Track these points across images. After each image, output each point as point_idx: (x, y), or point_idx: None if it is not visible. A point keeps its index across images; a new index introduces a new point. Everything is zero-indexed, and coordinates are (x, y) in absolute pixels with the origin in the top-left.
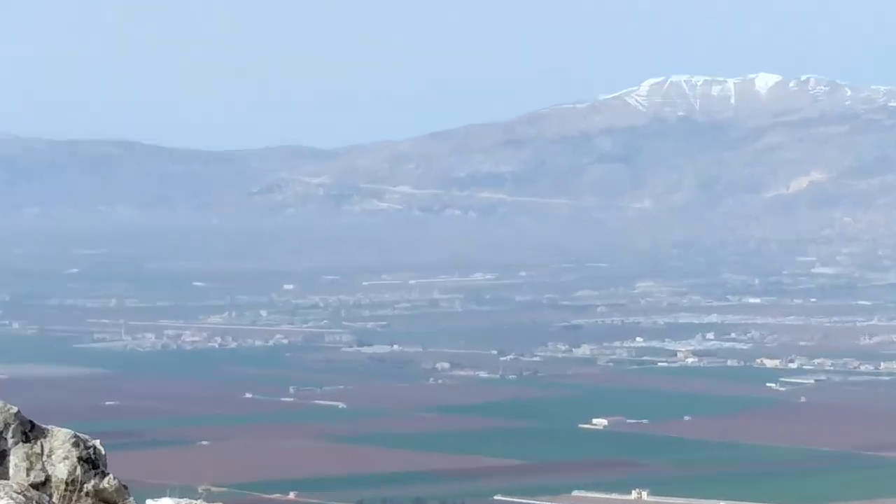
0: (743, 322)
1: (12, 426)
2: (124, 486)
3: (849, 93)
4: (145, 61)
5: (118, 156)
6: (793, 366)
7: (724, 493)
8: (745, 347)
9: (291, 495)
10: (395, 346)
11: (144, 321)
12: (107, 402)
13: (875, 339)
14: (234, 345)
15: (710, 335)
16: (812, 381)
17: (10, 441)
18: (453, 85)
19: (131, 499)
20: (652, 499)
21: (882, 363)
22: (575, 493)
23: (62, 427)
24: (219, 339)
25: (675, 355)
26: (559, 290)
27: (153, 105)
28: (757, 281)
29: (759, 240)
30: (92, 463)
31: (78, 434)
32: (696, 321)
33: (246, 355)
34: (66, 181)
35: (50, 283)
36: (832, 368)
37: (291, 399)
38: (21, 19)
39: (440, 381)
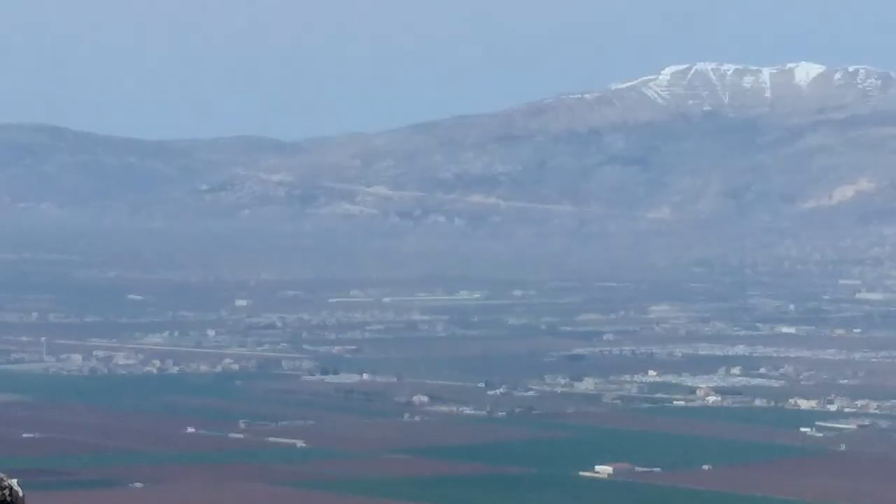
0: (774, 355)
1: None
2: None
3: None
4: (76, 33)
5: (43, 144)
6: (832, 408)
7: None
8: (776, 385)
9: None
10: (365, 376)
11: (70, 340)
12: (25, 435)
13: None
14: (175, 370)
15: (736, 370)
16: (854, 427)
17: None
18: (440, 69)
19: None
20: None
21: None
22: None
23: None
24: (157, 363)
25: (694, 392)
26: (560, 313)
27: (85, 85)
28: (792, 307)
29: (796, 259)
30: None
31: None
32: (719, 353)
33: (189, 383)
34: None
35: None
36: (878, 412)
37: (241, 436)
38: None
39: (417, 418)
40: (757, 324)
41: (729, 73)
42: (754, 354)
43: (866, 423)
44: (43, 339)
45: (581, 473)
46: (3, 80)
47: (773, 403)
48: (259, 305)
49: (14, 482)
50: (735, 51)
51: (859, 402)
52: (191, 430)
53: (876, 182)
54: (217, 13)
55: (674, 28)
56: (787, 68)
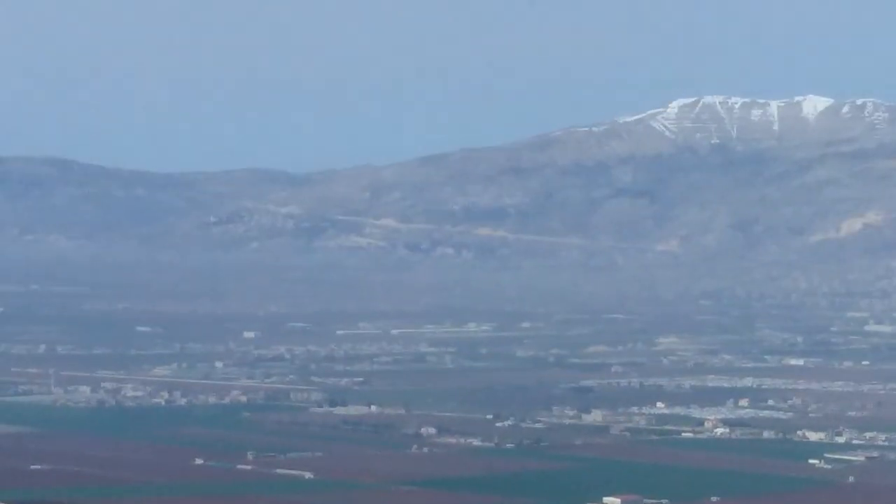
0: (783, 387)
1: None
2: None
3: None
4: (86, 67)
5: (52, 176)
6: (840, 440)
7: None
8: (784, 417)
9: None
10: (373, 408)
11: (79, 371)
12: (33, 466)
13: None
14: (183, 401)
15: (744, 402)
16: (863, 459)
17: None
18: (448, 102)
19: None
20: None
21: None
22: None
23: None
24: (165, 395)
25: (703, 424)
26: (568, 345)
27: (94, 118)
28: (800, 339)
29: (804, 291)
30: None
31: None
32: (727, 385)
33: (197, 414)
34: None
35: None
36: (887, 444)
37: (249, 467)
38: None
39: (425, 450)
40: (765, 356)
41: (737, 106)
42: (762, 386)
43: (875, 455)
44: (51, 370)
45: None
46: (11, 113)
47: (781, 435)
48: (267, 337)
49: None
50: (743, 84)
51: (868, 434)
52: (199, 461)
53: (884, 215)
54: (225, 46)
55: (682, 61)
56: (794, 101)
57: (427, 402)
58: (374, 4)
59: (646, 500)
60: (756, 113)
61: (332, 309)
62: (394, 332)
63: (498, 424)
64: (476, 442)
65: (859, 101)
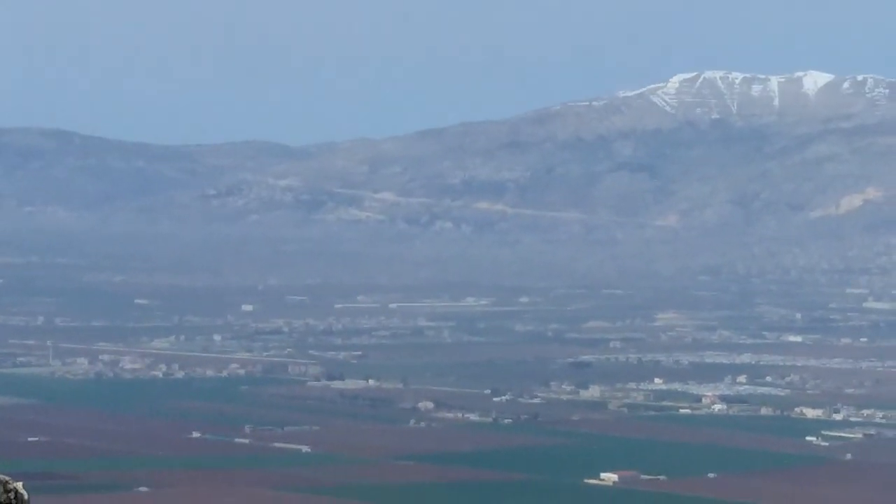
0: (781, 364)
1: None
2: None
3: None
4: (84, 36)
5: (51, 148)
6: (838, 417)
7: None
8: (782, 394)
9: None
10: (371, 382)
11: (77, 343)
12: (30, 438)
13: None
14: (181, 374)
15: (742, 378)
16: (860, 436)
17: None
18: (447, 75)
19: None
20: None
21: None
22: None
23: None
24: (163, 368)
25: (700, 401)
26: (566, 320)
27: (93, 89)
28: (799, 316)
29: (803, 268)
30: None
31: None
32: (725, 361)
33: (195, 387)
34: None
35: None
36: (884, 421)
37: (247, 441)
38: None
39: (423, 424)
40: (763, 332)
41: (737, 81)
42: (760, 363)
43: (872, 433)
44: (49, 342)
45: (587, 481)
46: (10, 84)
47: (778, 412)
48: (265, 311)
49: (19, 485)
50: (743, 59)
51: (865, 412)
52: (196, 434)
53: (884, 191)
54: (225, 18)
55: (682, 36)
56: (795, 77)
57: (425, 376)
58: None
59: (643, 476)
60: (756, 88)
61: (331, 282)
62: (392, 305)
63: (496, 399)
64: (474, 417)
65: (860, 77)
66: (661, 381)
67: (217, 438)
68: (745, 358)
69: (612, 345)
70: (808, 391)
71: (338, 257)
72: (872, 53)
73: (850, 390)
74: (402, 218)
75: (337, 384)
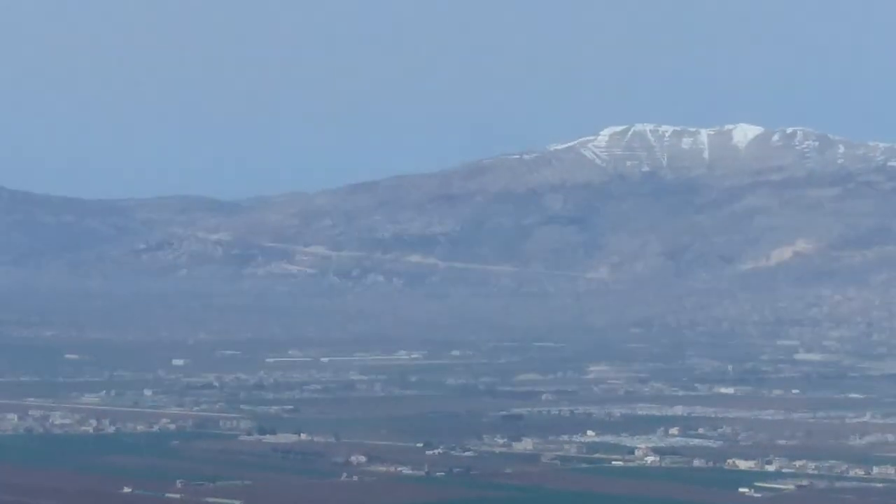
0: (713, 416)
1: None
2: None
3: (842, 149)
4: (9, 88)
5: None
6: (770, 468)
7: None
8: (714, 445)
9: None
10: (303, 436)
11: (6, 399)
12: None
13: (867, 439)
14: (111, 429)
15: (675, 430)
16: (793, 487)
17: None
18: (379, 129)
19: None
20: None
21: (875, 467)
22: None
23: None
24: (94, 423)
25: (633, 453)
26: (498, 373)
27: (19, 143)
28: (730, 367)
29: (734, 320)
30: None
31: None
32: (657, 413)
33: (126, 442)
34: None
35: None
36: (816, 472)
37: (178, 496)
38: None
39: (355, 478)
40: (696, 384)
41: (667, 134)
42: (693, 415)
43: (804, 484)
44: None
45: None
46: None
47: (711, 464)
48: (196, 365)
49: None
50: (673, 112)
51: (798, 463)
52: (127, 489)
53: (814, 243)
54: (152, 71)
55: (612, 89)
56: (725, 129)
57: (357, 430)
58: (305, 33)
59: None
60: (687, 141)
61: (262, 336)
62: (324, 359)
63: (428, 452)
64: (406, 470)
65: (789, 130)
66: (593, 433)
67: (149, 494)
68: (678, 410)
69: (544, 397)
70: (741, 443)
71: (269, 311)
72: (802, 106)
73: (782, 441)
74: (333, 271)
75: (269, 438)
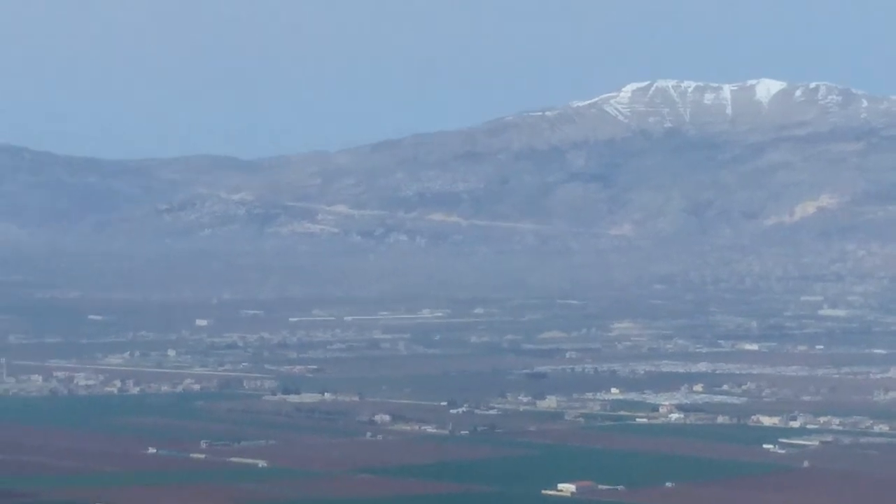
0: (737, 372)
1: None
2: None
3: (865, 104)
4: (34, 53)
5: (3, 164)
6: (794, 424)
7: None
8: (738, 402)
9: None
10: (327, 395)
11: (30, 360)
12: None
13: (891, 395)
14: (136, 390)
15: (699, 387)
16: (817, 443)
17: None
18: (400, 87)
19: None
20: None
21: None
22: None
23: None
24: (118, 384)
25: (657, 410)
26: (522, 330)
27: (44, 104)
28: (754, 324)
29: (758, 276)
30: None
31: None
32: (681, 370)
33: (150, 403)
34: None
35: None
36: (841, 428)
37: (203, 456)
38: None
39: (379, 437)
40: (719, 341)
41: (690, 90)
42: (717, 371)
43: (829, 440)
44: (3, 360)
45: (544, 492)
46: None
47: (735, 420)
48: (220, 325)
49: None
50: (696, 68)
51: (822, 419)
52: (152, 450)
53: (837, 198)
54: (176, 33)
55: (634, 45)
56: (747, 85)
57: (381, 389)
58: None
59: (600, 487)
60: (709, 97)
61: (286, 296)
62: (347, 318)
63: (452, 411)
64: (430, 429)
65: (812, 85)
66: (617, 390)
67: (173, 454)
68: (702, 367)
69: (568, 355)
70: (765, 399)
71: (292, 271)
72: (825, 61)
73: (806, 398)
74: (356, 230)
75: (293, 398)
